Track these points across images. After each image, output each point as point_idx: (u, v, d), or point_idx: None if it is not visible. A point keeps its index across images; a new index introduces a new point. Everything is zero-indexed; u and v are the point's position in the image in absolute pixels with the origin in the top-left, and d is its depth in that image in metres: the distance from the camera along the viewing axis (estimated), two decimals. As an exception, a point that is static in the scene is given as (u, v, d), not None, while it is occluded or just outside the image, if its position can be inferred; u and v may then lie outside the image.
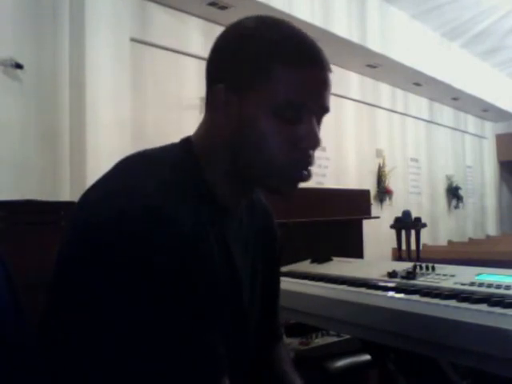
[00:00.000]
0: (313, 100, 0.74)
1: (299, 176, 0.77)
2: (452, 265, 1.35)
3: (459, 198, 8.56)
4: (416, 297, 1.08)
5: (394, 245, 4.47)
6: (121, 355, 0.65)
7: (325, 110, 0.77)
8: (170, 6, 4.06)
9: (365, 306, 1.14)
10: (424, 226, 4.28)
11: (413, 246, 4.18)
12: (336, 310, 1.24)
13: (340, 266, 1.56)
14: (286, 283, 1.35)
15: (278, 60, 0.72)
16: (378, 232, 4.93)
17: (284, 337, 1.07)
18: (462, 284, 1.12)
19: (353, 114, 6.29)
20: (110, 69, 3.42)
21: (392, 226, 4.21)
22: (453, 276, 1.21)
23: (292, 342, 1.76)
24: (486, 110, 8.92)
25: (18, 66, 3.02)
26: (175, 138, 0.83)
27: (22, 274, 0.81)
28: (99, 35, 3.35)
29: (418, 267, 1.34)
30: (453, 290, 1.08)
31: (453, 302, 1.00)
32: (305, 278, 1.45)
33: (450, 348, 0.95)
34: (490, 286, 1.08)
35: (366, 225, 3.24)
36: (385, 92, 6.92)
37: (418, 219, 4.22)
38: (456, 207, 8.60)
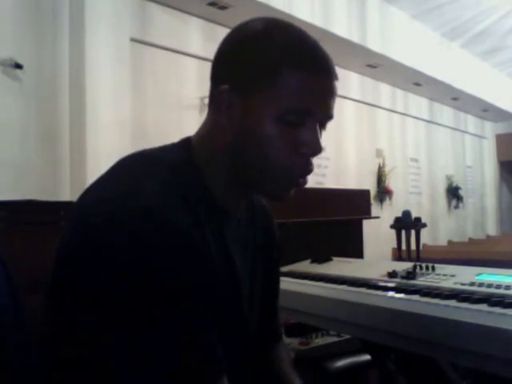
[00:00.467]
0: (319, 108, 0.74)
1: (296, 182, 0.77)
2: (452, 265, 1.35)
3: (459, 198, 8.56)
4: (416, 297, 1.08)
5: (394, 245, 4.48)
6: (120, 355, 0.65)
7: (329, 117, 0.77)
8: (170, 6, 4.06)
9: (365, 305, 1.14)
10: (424, 225, 4.28)
11: (413, 246, 4.18)
12: (336, 310, 1.24)
13: (340, 266, 1.56)
14: (286, 283, 1.35)
15: (287, 65, 0.72)
16: (377, 232, 4.93)
17: (284, 337, 1.07)
18: (462, 284, 1.12)
19: (353, 114, 6.29)
20: (110, 69, 3.42)
21: (392, 226, 4.21)
22: (453, 276, 1.21)
23: (292, 342, 1.76)
24: (486, 110, 8.92)
25: (18, 66, 3.02)
26: (175, 137, 0.83)
27: (22, 274, 0.81)
28: (99, 35, 3.35)
29: (417, 267, 1.34)
30: (453, 289, 1.08)
31: (453, 302, 1.00)
32: (305, 277, 1.45)
33: (450, 348, 0.95)
34: (490, 286, 1.08)
35: (366, 225, 3.24)
36: (385, 92, 6.93)
37: (418, 219, 4.23)
38: (456, 207, 8.60)
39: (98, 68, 3.34)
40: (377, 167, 6.66)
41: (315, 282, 1.40)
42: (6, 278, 0.70)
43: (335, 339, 1.76)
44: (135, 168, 0.73)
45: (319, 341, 1.77)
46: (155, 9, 3.98)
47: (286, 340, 1.67)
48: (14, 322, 0.70)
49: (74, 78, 3.32)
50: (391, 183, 6.73)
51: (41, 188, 3.08)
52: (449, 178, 8.46)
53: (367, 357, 1.66)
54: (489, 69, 8.22)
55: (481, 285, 1.09)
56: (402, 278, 1.26)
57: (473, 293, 1.03)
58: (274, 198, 0.79)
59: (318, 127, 0.75)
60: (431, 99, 7.96)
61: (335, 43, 4.96)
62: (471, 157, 9.42)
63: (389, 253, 5.93)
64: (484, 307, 0.95)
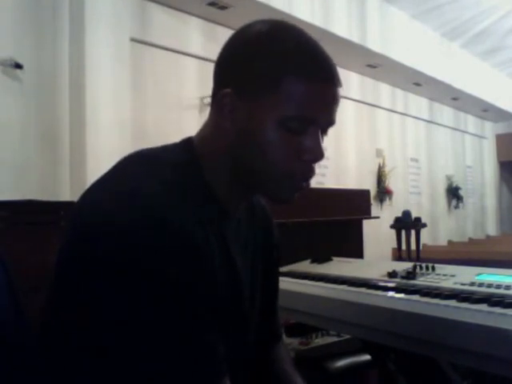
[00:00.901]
0: (322, 115, 0.74)
1: (299, 186, 0.77)
2: (452, 265, 1.35)
3: (459, 198, 8.56)
4: (416, 297, 1.08)
5: (394, 245, 4.48)
6: (121, 355, 0.65)
7: (331, 123, 0.77)
8: (170, 6, 4.06)
9: (365, 306, 1.14)
10: (424, 225, 4.28)
11: (413, 246, 4.18)
12: (336, 310, 1.24)
13: (340, 266, 1.56)
14: (286, 283, 1.35)
15: (291, 71, 0.72)
16: (378, 232, 4.93)
17: (284, 337, 1.07)
18: (462, 284, 1.12)
19: (353, 114, 6.29)
20: (110, 69, 3.42)
21: (392, 226, 4.21)
22: (453, 276, 1.21)
23: (292, 342, 1.76)
24: (486, 110, 8.92)
25: (18, 66, 3.02)
26: (175, 137, 0.83)
27: (22, 274, 0.81)
28: (99, 35, 3.35)
29: (418, 267, 1.34)
30: (453, 289, 1.08)
31: (453, 302, 1.00)
32: (305, 278, 1.45)
33: (450, 348, 0.95)
34: (490, 286, 1.08)
35: (366, 225, 3.24)
36: (385, 92, 6.93)
37: (418, 219, 4.23)
38: (456, 207, 8.60)
39: (98, 68, 3.34)
40: (377, 167, 6.66)
41: (315, 282, 1.39)
42: (6, 278, 0.70)
43: (335, 339, 1.76)
44: (136, 168, 0.73)
45: (319, 341, 1.76)
46: (155, 9, 3.98)
47: (286, 340, 1.67)
48: (14, 321, 0.70)
49: (74, 78, 3.31)
50: (391, 183, 6.73)
51: (41, 188, 3.08)
52: (449, 177, 8.46)
53: (367, 357, 1.66)
54: (489, 69, 8.22)
55: (481, 285, 1.09)
56: (402, 277, 1.26)
57: (473, 293, 1.03)
58: (277, 200, 0.80)
59: (320, 134, 0.75)
60: (431, 99, 7.96)
61: (335, 43, 4.96)
62: (471, 157, 9.42)
63: (389, 253, 5.92)
64: (484, 307, 0.95)
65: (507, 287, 1.05)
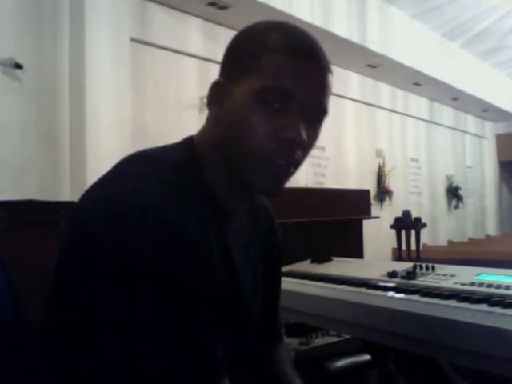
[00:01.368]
0: (300, 89, 0.72)
1: (280, 174, 0.74)
2: (452, 265, 1.35)
3: (459, 198, 8.56)
4: (416, 297, 1.08)
5: (394, 245, 4.47)
6: (121, 355, 0.65)
7: (317, 107, 0.75)
8: (170, 6, 4.06)
9: (365, 306, 1.14)
10: (424, 225, 4.28)
11: (413, 246, 4.18)
12: (336, 310, 1.24)
13: (340, 266, 1.56)
14: (286, 283, 1.35)
15: (270, 49, 0.73)
16: (377, 232, 4.93)
17: (284, 337, 1.07)
18: (462, 284, 1.12)
19: (353, 114, 6.29)
20: (110, 69, 3.42)
21: (392, 226, 4.21)
22: (453, 276, 1.21)
23: (292, 342, 1.76)
24: (486, 110, 8.91)
25: (18, 66, 3.02)
26: (175, 137, 0.83)
27: (22, 274, 0.81)
28: (99, 35, 3.35)
29: (418, 267, 1.34)
30: (453, 289, 1.08)
31: (453, 302, 1.00)
32: (305, 278, 1.45)
33: (450, 348, 0.95)
34: (490, 286, 1.08)
35: (366, 225, 3.24)
36: (385, 92, 6.92)
37: (418, 219, 4.22)
38: (456, 207, 8.59)
39: (98, 68, 3.34)
40: (377, 167, 6.66)
41: (315, 282, 1.40)
42: (6, 278, 0.70)
43: (335, 339, 1.76)
44: (137, 168, 0.73)
45: (319, 341, 1.76)
46: (155, 9, 3.98)
47: (286, 340, 1.67)
48: (14, 321, 0.70)
49: (74, 78, 3.31)
50: (391, 183, 6.73)
51: (41, 188, 3.08)
52: (449, 178, 8.46)
53: (367, 357, 1.66)
54: (489, 69, 8.22)
55: (481, 285, 1.09)
56: (402, 277, 1.26)
57: (473, 293, 1.03)
58: (261, 191, 0.79)
59: (300, 116, 0.73)
60: (431, 99, 7.96)
61: (335, 43, 4.96)
62: (471, 157, 9.42)
63: (389, 253, 5.92)
64: (484, 307, 0.95)
65: (507, 287, 1.05)
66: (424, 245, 5.92)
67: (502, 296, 0.98)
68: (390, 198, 6.69)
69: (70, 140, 3.31)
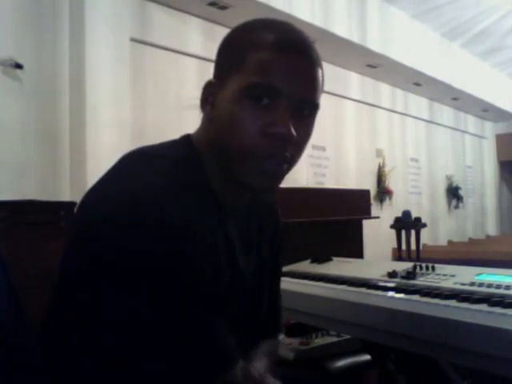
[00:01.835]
0: (288, 85, 0.72)
1: (267, 169, 0.73)
2: (452, 265, 1.35)
3: (459, 198, 8.55)
4: (416, 297, 1.08)
5: (394, 245, 4.48)
6: (121, 355, 0.65)
7: (308, 102, 0.74)
8: (170, 6, 4.05)
9: (365, 306, 1.14)
10: (424, 225, 4.28)
11: (413, 246, 4.18)
12: (336, 310, 1.24)
13: (340, 266, 1.56)
14: (286, 283, 1.35)
15: (256, 44, 0.73)
16: (377, 232, 4.93)
17: (283, 329, 1.08)
18: (462, 284, 1.12)
19: (353, 114, 6.28)
20: (110, 69, 3.42)
21: (392, 226, 4.21)
22: (453, 276, 1.21)
23: (292, 342, 1.76)
24: (486, 110, 8.91)
25: (18, 66, 3.02)
26: (175, 137, 0.83)
27: (22, 274, 0.81)
28: (99, 35, 3.34)
29: (418, 267, 1.34)
30: (453, 289, 1.08)
31: (453, 302, 1.00)
32: (305, 278, 1.45)
33: (450, 348, 0.95)
34: (490, 286, 1.08)
35: (366, 225, 3.24)
36: (385, 92, 6.92)
37: (418, 219, 4.23)
38: (456, 207, 8.59)
39: (98, 68, 3.34)
40: (377, 167, 6.66)
41: (315, 282, 1.39)
42: (5, 278, 0.70)
43: (335, 339, 1.76)
44: (137, 165, 0.74)
45: (319, 341, 1.76)
46: (155, 9, 3.97)
47: (286, 340, 1.67)
48: (14, 321, 0.70)
49: (74, 78, 3.31)
50: (391, 183, 6.73)
51: (41, 188, 3.08)
52: (449, 178, 8.46)
53: (367, 357, 1.66)
54: (489, 69, 8.21)
55: (481, 285, 1.09)
56: (402, 277, 1.26)
57: (473, 293, 1.03)
58: (249, 187, 0.77)
59: (289, 112, 0.72)
60: (431, 99, 7.96)
61: (335, 43, 4.96)
62: (471, 157, 9.41)
63: (389, 253, 5.92)
64: (484, 307, 0.95)
65: (507, 287, 1.05)
66: (424, 245, 5.92)
67: (502, 296, 0.98)
68: (390, 198, 6.69)
69: (70, 140, 3.31)
